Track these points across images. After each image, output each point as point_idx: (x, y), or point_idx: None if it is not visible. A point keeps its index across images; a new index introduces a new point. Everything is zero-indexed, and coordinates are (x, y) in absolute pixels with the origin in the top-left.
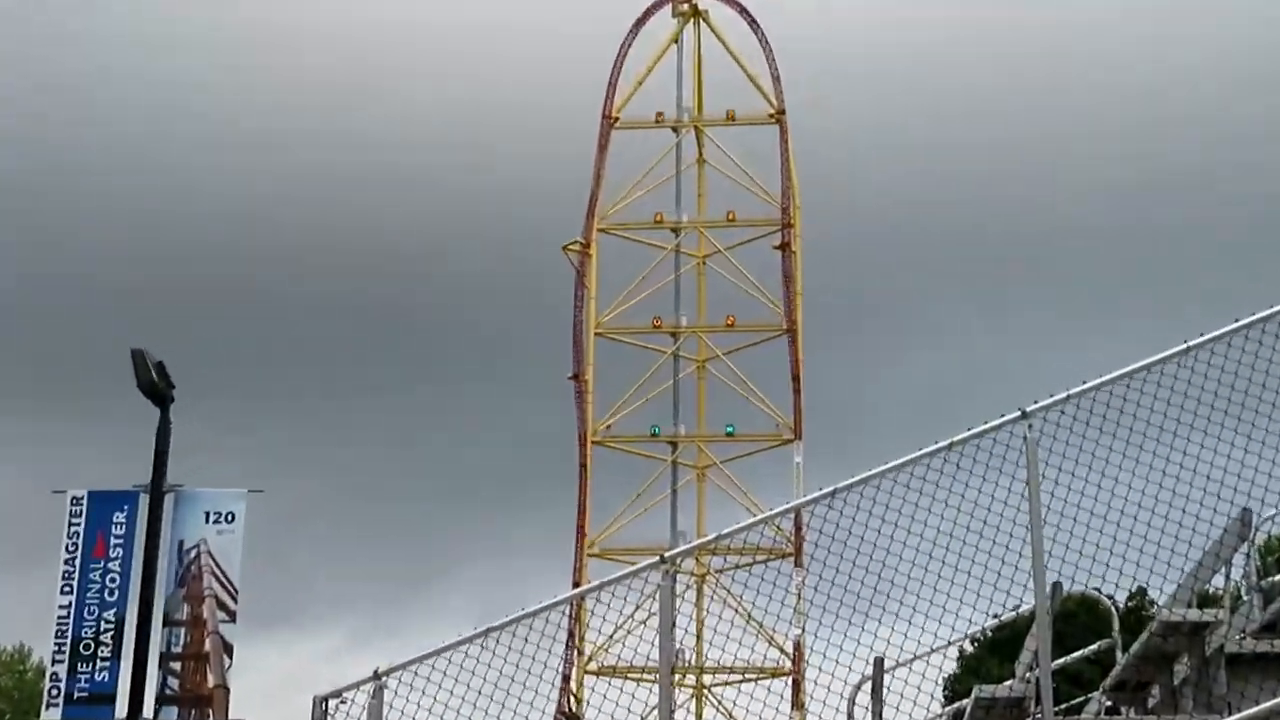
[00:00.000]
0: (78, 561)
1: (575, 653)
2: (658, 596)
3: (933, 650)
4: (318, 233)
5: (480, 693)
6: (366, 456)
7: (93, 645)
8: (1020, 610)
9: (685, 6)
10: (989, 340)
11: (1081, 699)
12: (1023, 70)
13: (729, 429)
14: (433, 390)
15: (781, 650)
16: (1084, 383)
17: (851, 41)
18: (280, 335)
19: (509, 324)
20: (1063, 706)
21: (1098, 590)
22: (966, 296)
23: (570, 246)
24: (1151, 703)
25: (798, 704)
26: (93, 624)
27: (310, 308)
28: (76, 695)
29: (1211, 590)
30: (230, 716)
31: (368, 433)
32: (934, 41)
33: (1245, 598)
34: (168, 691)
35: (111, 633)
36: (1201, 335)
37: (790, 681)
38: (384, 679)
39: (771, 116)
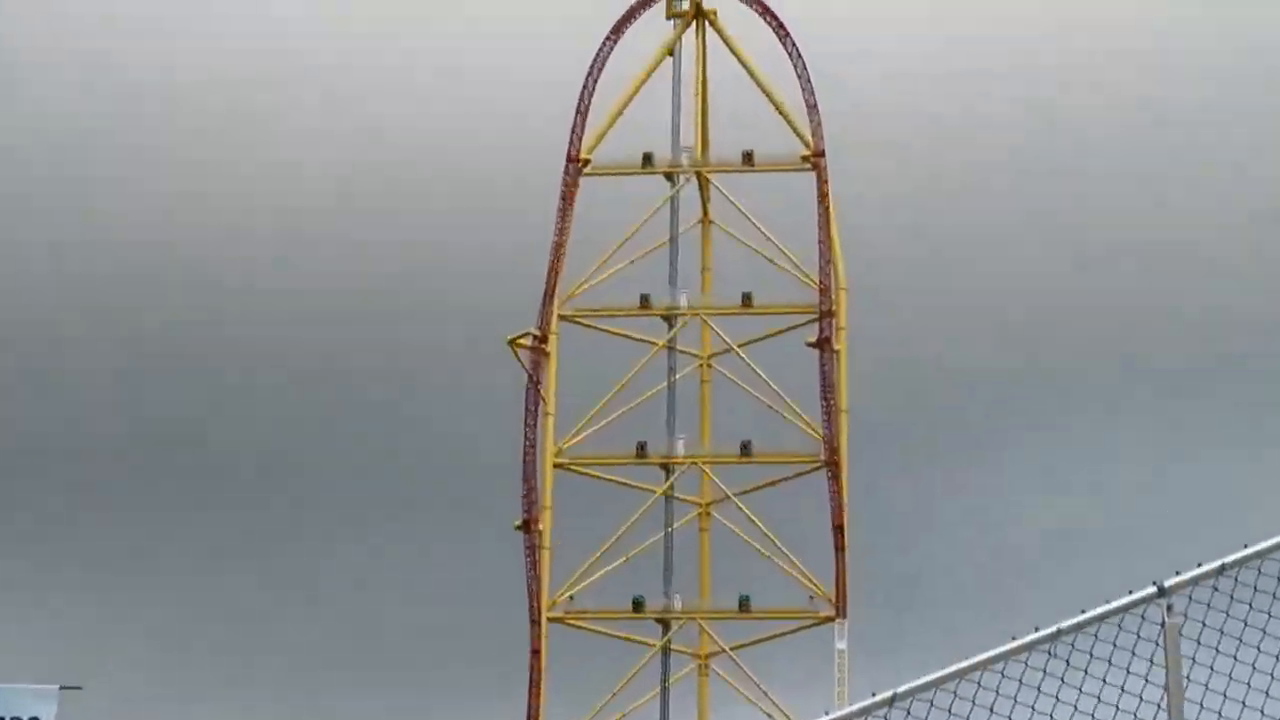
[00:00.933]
0: None
1: None
2: None
3: None
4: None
5: None
6: (229, 630)
7: None
8: None
9: (685, 4)
10: (1096, 479)
11: None
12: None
13: (743, 599)
14: (324, 540)
15: None
16: (1245, 546)
17: (911, 58)
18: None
19: (429, 451)
20: None
21: None
22: (1066, 416)
23: (519, 340)
24: None
25: None
26: None
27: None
28: None
29: None
30: None
31: (230, 597)
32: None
33: None
34: None
35: None
36: None
37: None
38: None
39: (806, 159)
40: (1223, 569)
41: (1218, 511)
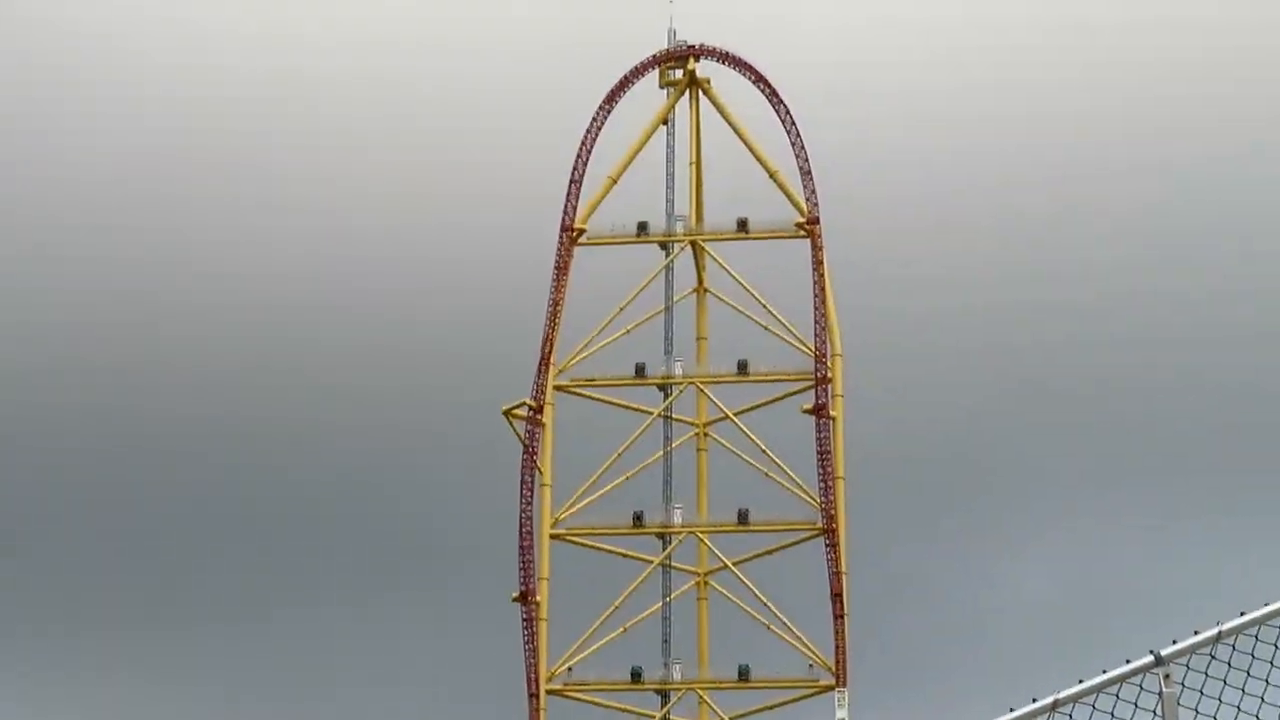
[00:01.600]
0: None
1: None
2: None
3: None
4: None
5: None
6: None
7: None
8: None
9: (679, 74)
10: (1094, 548)
11: None
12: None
13: (743, 668)
14: (319, 612)
15: None
16: (1241, 614)
17: (909, 119)
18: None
19: (425, 523)
20: None
21: None
22: (1065, 486)
23: (515, 411)
24: None
25: None
26: None
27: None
28: None
29: None
30: None
31: (228, 668)
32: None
33: None
34: None
35: None
36: None
37: None
38: None
39: (800, 227)
40: (1220, 637)
41: (1214, 579)
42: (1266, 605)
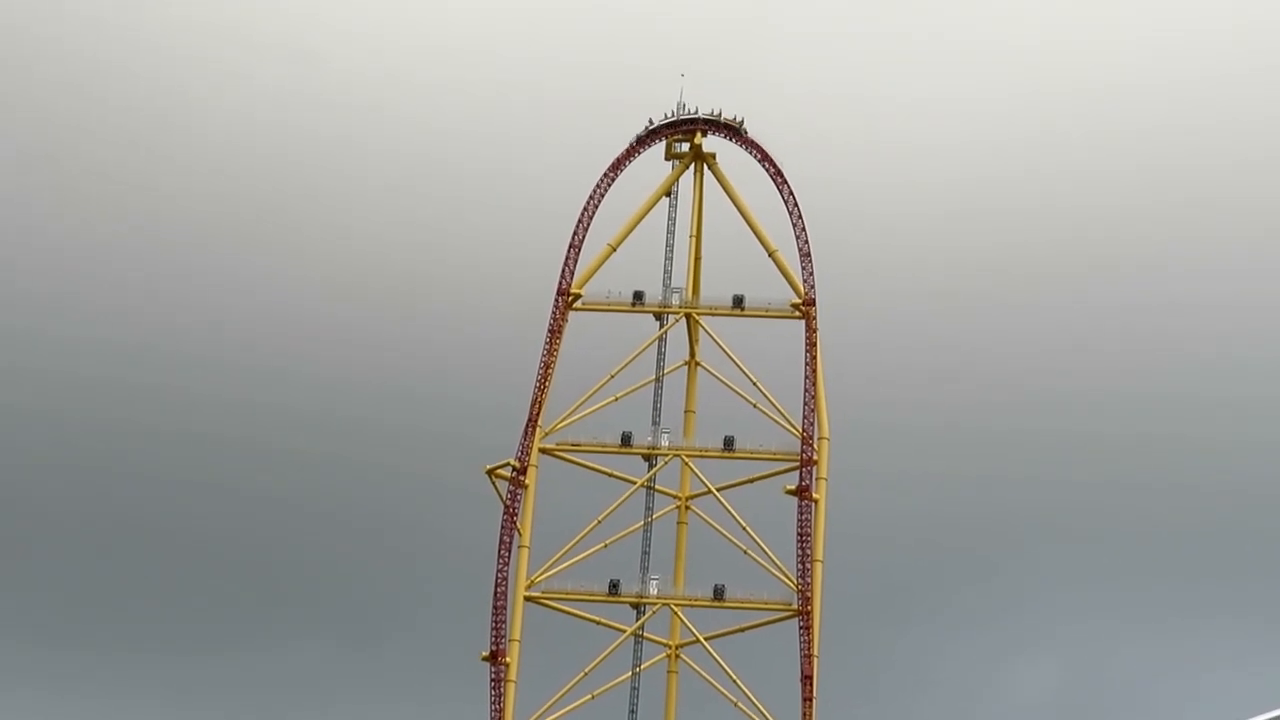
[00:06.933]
0: None
1: None
2: None
3: None
4: None
5: None
6: None
7: None
8: None
9: (685, 147)
10: (1073, 645)
11: None
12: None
13: None
14: (285, 666)
15: None
16: None
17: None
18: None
19: (395, 577)
20: None
21: None
22: (1043, 582)
23: (498, 471)
24: None
25: None
26: None
27: None
28: None
29: None
30: None
31: None
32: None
33: None
34: None
35: None
36: None
37: None
38: None
39: (796, 308)
40: None
41: (1198, 683)
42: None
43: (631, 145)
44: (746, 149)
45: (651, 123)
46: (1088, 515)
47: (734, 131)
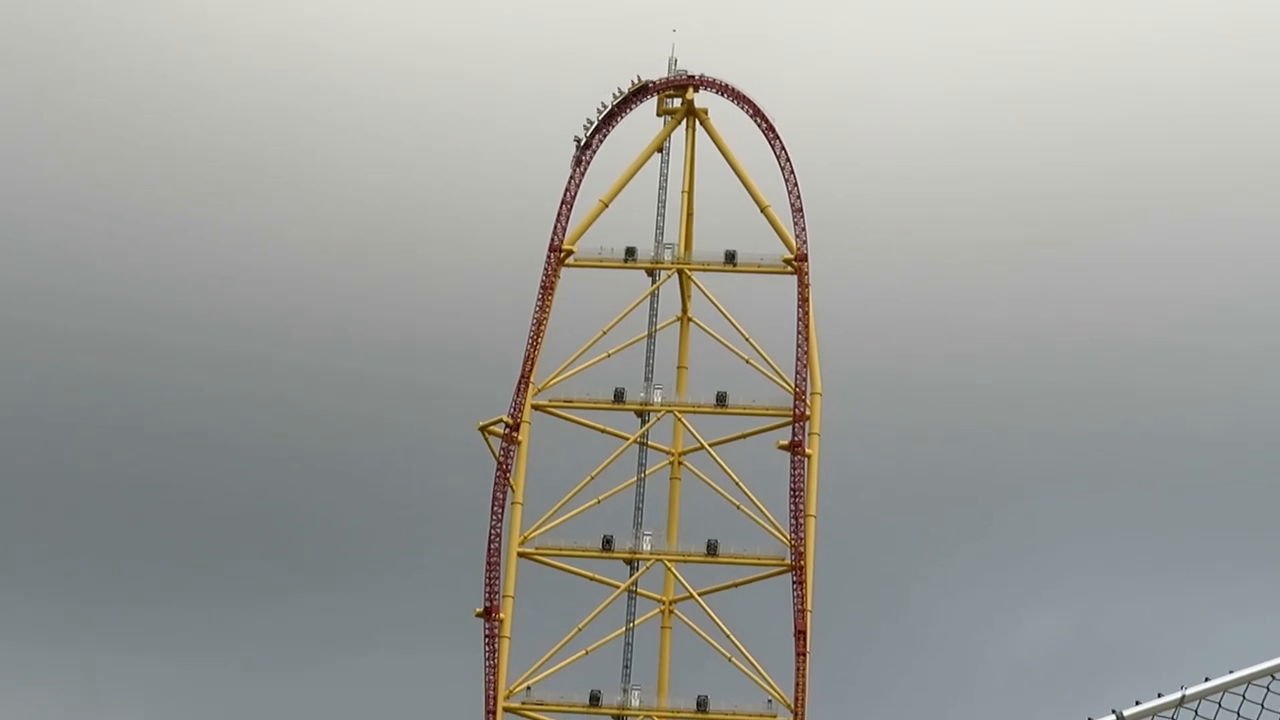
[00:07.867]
0: None
1: None
2: None
3: None
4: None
5: None
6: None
7: None
8: None
9: (677, 103)
10: (1062, 603)
11: None
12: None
13: (701, 699)
14: (276, 616)
15: None
16: (1206, 680)
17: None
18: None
19: (390, 532)
20: None
21: None
22: (1034, 539)
23: (491, 427)
24: None
25: None
26: None
27: None
28: None
29: None
30: None
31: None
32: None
33: None
34: None
35: None
36: None
37: None
38: None
39: (788, 263)
40: (1183, 700)
41: (1181, 642)
42: (1230, 672)
43: (623, 101)
44: (739, 104)
45: (639, 79)
46: (1086, 466)
47: (726, 88)
